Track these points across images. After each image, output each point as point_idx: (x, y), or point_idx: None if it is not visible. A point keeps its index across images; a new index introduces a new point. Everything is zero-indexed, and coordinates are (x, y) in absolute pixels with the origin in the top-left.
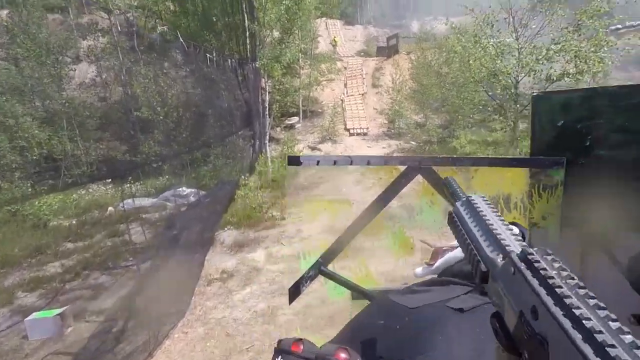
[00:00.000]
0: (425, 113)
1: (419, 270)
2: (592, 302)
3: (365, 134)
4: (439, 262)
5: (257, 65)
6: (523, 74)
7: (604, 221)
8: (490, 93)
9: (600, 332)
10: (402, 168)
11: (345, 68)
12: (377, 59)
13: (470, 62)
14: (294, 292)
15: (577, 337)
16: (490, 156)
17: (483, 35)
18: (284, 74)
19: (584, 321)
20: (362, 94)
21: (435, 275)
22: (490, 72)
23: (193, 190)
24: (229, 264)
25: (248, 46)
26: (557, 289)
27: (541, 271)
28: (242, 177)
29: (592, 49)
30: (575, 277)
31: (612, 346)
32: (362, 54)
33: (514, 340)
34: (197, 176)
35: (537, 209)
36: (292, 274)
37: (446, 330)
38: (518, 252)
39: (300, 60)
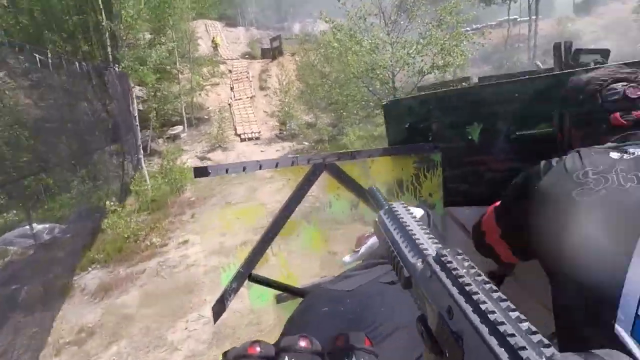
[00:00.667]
0: (315, 113)
1: (346, 258)
2: (495, 295)
3: (257, 138)
4: (363, 248)
5: (118, 69)
6: (398, 68)
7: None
8: (370, 88)
9: (502, 323)
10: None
11: (230, 71)
12: (262, 61)
13: (349, 57)
14: (219, 308)
15: (485, 330)
16: (382, 147)
17: (358, 29)
18: (158, 79)
19: (489, 315)
20: (251, 97)
21: (361, 261)
22: (368, 67)
23: (45, 226)
24: (91, 317)
25: (109, 48)
26: (466, 287)
27: (453, 271)
28: (110, 202)
29: (455, 43)
30: (482, 274)
31: (512, 335)
32: (247, 56)
33: (437, 341)
34: (50, 207)
35: (424, 188)
36: (173, 316)
37: (386, 302)
38: (433, 255)
39: (177, 63)
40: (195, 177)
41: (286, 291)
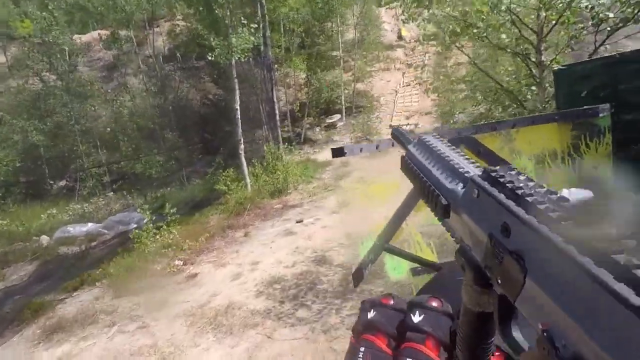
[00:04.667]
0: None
1: None
2: (567, 204)
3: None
4: None
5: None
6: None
7: None
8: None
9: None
10: None
11: (406, 55)
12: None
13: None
14: (358, 276)
15: (558, 240)
16: (529, 116)
17: None
18: (312, 66)
19: (563, 222)
20: (420, 84)
21: None
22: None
23: (141, 217)
24: None
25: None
26: (527, 198)
27: (507, 185)
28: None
29: None
30: (545, 185)
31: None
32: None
33: (482, 271)
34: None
35: (587, 160)
36: None
37: None
38: (479, 174)
39: (340, 50)
40: (333, 157)
41: (420, 263)
